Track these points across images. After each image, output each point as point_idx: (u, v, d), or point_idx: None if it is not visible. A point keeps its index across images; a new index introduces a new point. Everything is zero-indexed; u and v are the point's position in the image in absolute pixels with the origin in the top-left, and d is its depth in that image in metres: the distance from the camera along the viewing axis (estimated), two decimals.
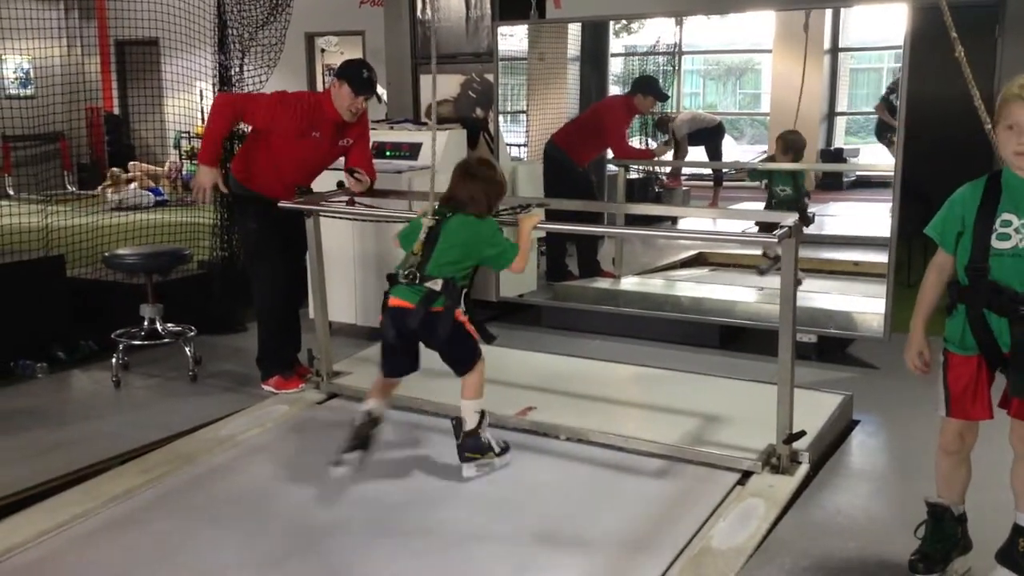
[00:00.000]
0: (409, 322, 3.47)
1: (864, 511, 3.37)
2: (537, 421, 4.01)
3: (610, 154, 6.87)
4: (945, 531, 2.79)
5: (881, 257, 5.13)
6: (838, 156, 9.30)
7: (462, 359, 3.59)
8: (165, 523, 3.33)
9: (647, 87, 6.70)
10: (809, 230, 3.61)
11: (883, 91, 8.72)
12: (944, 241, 2.63)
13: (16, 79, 12.77)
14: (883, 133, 8.51)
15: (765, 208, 6.31)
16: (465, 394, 3.60)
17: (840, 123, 9.74)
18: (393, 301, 3.52)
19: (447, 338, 3.49)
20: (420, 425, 4.07)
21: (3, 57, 12.28)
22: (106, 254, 5.25)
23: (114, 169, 11.75)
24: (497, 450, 3.64)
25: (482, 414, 3.59)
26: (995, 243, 2.51)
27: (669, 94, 8.33)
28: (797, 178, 6.27)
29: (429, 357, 3.65)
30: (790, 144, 6.27)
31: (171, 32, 6.98)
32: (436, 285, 3.46)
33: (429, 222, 3.55)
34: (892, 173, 4.79)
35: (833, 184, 8.97)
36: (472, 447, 3.58)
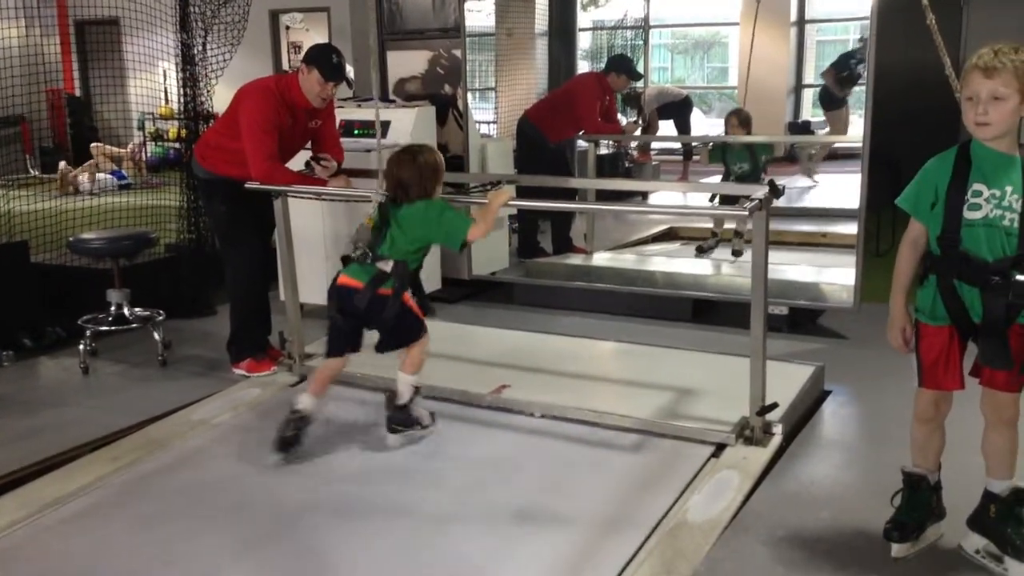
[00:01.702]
0: (356, 301, 3.47)
1: (837, 481, 3.41)
2: (511, 399, 4.01)
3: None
4: (920, 499, 2.82)
5: (850, 228, 5.17)
6: (806, 128, 9.35)
7: (403, 341, 3.63)
8: (137, 509, 3.30)
9: (621, 66, 6.69)
10: (779, 202, 3.61)
11: (838, 59, 8.75)
12: (918, 211, 2.64)
13: None
14: (827, 101, 8.56)
15: None
16: (405, 368, 3.65)
17: (807, 95, 9.78)
18: (342, 279, 3.54)
19: (393, 321, 3.51)
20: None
21: None
22: (71, 239, 5.16)
23: (62, 166, 11.36)
24: (425, 423, 3.70)
25: (416, 389, 3.65)
26: (967, 213, 2.53)
27: (642, 73, 8.32)
28: (755, 153, 6.31)
29: None
30: (743, 119, 6.32)
31: (132, 11, 6.84)
32: (387, 266, 3.47)
33: (379, 198, 3.56)
34: (860, 144, 4.82)
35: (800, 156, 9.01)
36: (400, 420, 3.65)
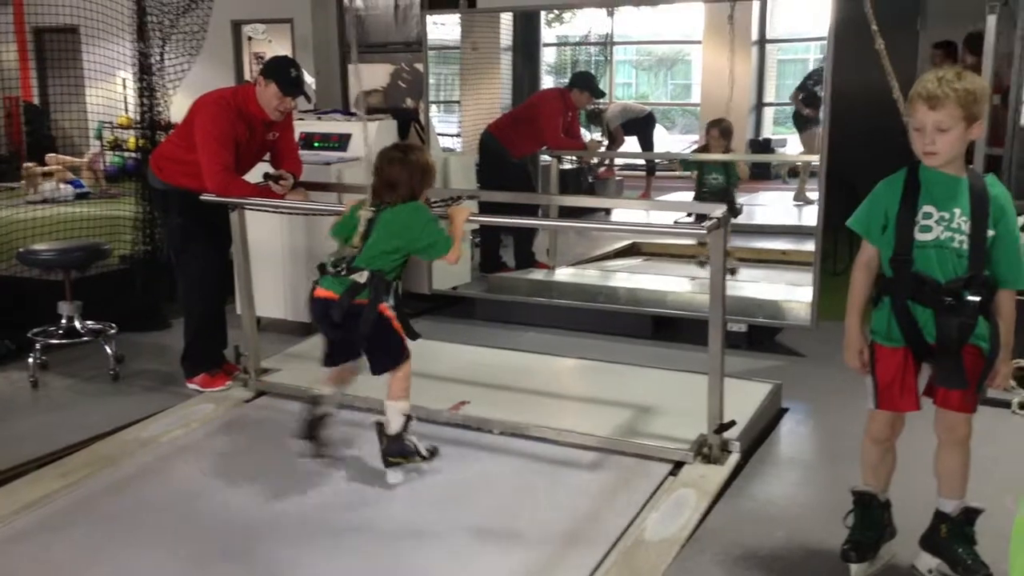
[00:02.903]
0: (332, 313, 3.39)
1: (793, 499, 3.42)
2: (471, 415, 3.98)
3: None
4: (873, 517, 2.83)
5: (808, 246, 5.21)
6: (766, 146, 9.44)
7: (386, 356, 3.46)
8: (85, 529, 3.22)
9: (584, 83, 6.71)
10: (739, 220, 3.64)
11: (801, 81, 8.86)
12: (869, 233, 2.66)
13: None
14: (800, 123, 8.68)
15: (695, 197, 6.37)
16: (391, 395, 3.47)
17: (768, 113, 9.89)
18: (318, 292, 3.46)
19: (369, 333, 3.39)
20: (351, 422, 3.98)
21: None
22: (20, 250, 5.05)
23: (28, 164, 11.24)
24: (424, 454, 3.47)
25: (407, 418, 3.46)
26: (918, 235, 2.55)
27: (605, 91, 8.35)
28: (729, 166, 6.35)
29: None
30: (725, 130, 6.34)
31: (91, 19, 6.73)
32: (361, 277, 3.39)
33: (368, 214, 3.45)
34: (818, 163, 4.87)
35: (762, 174, 9.11)
36: (396, 451, 3.44)
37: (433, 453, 3.52)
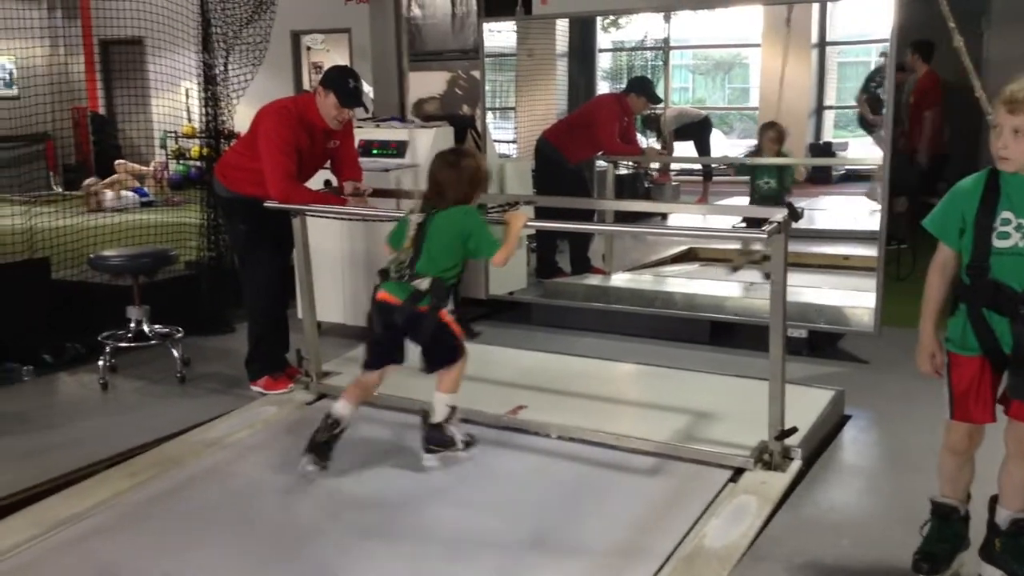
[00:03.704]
0: (395, 317, 3.47)
1: (857, 507, 3.36)
2: (528, 420, 3.99)
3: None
4: (951, 531, 2.76)
5: (871, 251, 5.12)
6: (827, 150, 9.31)
7: (442, 356, 3.60)
8: (152, 527, 3.29)
9: (641, 88, 6.69)
10: (798, 224, 3.59)
11: (864, 83, 8.71)
12: (946, 236, 2.59)
13: None
14: (867, 125, 8.52)
15: (749, 202, 6.30)
16: (441, 387, 3.62)
17: (828, 117, 9.75)
18: (381, 295, 3.53)
19: (430, 338, 3.50)
20: (408, 424, 4.02)
21: None
22: (91, 256, 5.20)
23: (88, 181, 11.51)
24: (461, 445, 3.63)
25: (452, 409, 3.61)
26: (995, 242, 2.48)
27: (662, 96, 8.31)
28: (782, 170, 6.28)
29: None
30: (778, 134, 6.29)
31: (156, 31, 6.93)
32: (423, 284, 3.45)
33: (417, 218, 3.54)
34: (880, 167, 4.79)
35: (822, 178, 8.97)
36: (437, 440, 3.60)
37: (469, 444, 3.66)
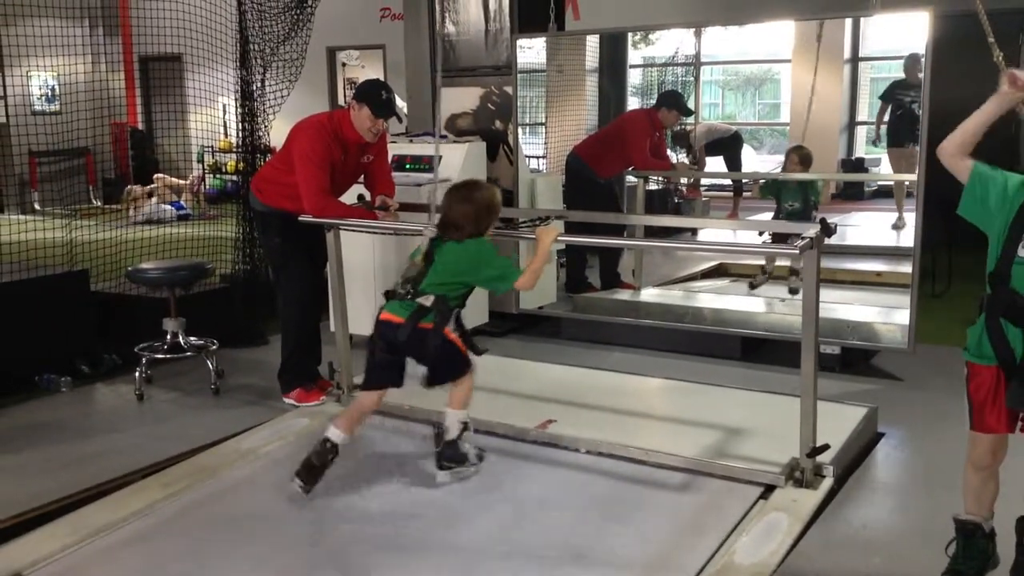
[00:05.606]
0: (398, 335, 3.48)
1: (889, 526, 3.33)
2: (557, 434, 3.99)
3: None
4: (977, 548, 2.74)
5: (904, 267, 5.08)
6: (859, 166, 9.25)
7: (446, 372, 3.61)
8: (186, 537, 3.34)
9: (672, 101, 6.69)
10: (831, 240, 3.58)
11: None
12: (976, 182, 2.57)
13: (42, 95, 12.91)
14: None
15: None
16: (451, 404, 3.65)
17: (861, 132, 9.68)
18: (384, 316, 3.55)
19: (434, 355, 3.51)
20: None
21: (29, 74, 12.44)
22: (129, 268, 5.29)
23: (135, 187, 11.82)
24: (475, 461, 3.69)
25: (464, 425, 3.65)
26: (1020, 251, 2.49)
27: (693, 109, 8.30)
28: (807, 192, 6.24)
29: None
30: (805, 157, 6.26)
31: (194, 48, 7.05)
32: (427, 301, 3.48)
33: (430, 233, 3.57)
34: (915, 182, 4.75)
35: (855, 194, 8.91)
36: (451, 456, 3.64)
37: (481, 458, 3.73)
